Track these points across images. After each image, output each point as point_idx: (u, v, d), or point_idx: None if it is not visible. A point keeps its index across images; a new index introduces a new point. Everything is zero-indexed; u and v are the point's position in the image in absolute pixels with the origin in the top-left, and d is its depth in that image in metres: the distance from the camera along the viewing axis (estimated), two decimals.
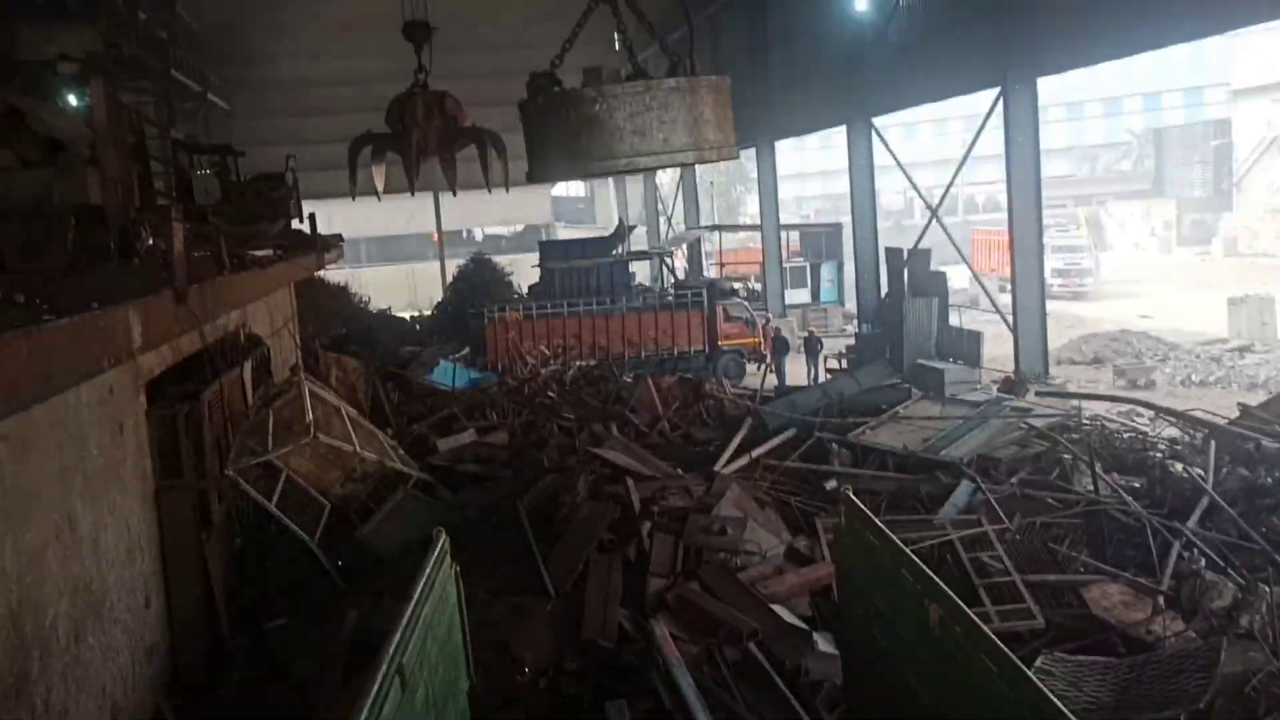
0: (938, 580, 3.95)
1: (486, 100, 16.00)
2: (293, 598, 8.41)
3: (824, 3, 21.58)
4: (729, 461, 10.31)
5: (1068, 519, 8.75)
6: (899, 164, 19.88)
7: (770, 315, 27.13)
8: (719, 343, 24.12)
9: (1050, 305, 19.11)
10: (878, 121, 21.02)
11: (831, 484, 9.74)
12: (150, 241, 5.64)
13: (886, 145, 20.44)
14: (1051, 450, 10.03)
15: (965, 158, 17.57)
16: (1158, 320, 28.53)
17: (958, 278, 25.60)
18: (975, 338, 19.53)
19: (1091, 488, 9.22)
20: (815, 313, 30.30)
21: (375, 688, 3.45)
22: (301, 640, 7.79)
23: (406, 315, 32.15)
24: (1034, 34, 15.02)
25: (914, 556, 4.18)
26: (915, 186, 19.60)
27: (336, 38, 35.95)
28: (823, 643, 7.25)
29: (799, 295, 31.49)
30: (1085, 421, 11.14)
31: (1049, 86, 16.34)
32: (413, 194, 7.86)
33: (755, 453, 10.45)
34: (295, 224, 12.95)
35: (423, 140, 7.50)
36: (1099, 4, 13.74)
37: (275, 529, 9.13)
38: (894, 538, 4.42)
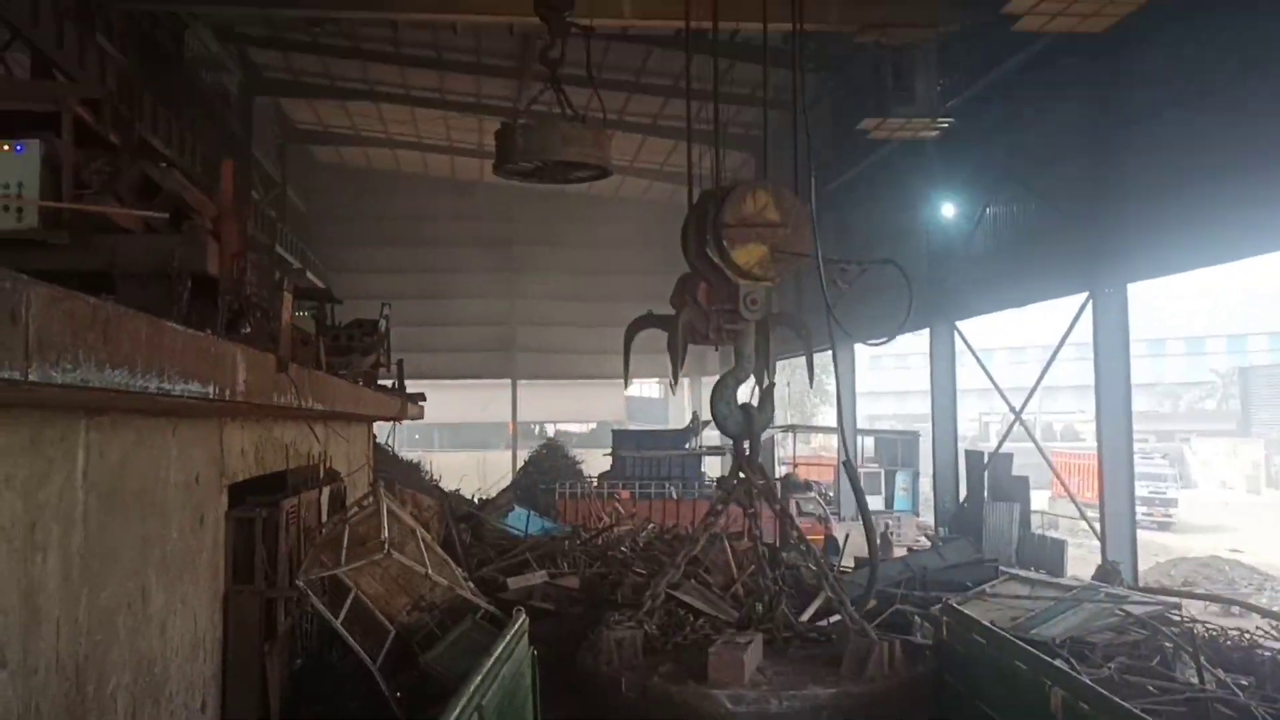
0: (1055, 664, 3.67)
1: None
2: None
3: (909, 211, 22.06)
4: None
5: (1170, 708, 8.17)
6: (979, 361, 19.86)
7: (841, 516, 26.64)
8: None
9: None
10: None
11: None
12: (258, 315, 5.76)
13: (968, 344, 20.47)
14: (1151, 639, 9.46)
15: (1053, 357, 17.52)
16: (1250, 555, 27.34)
17: (1036, 500, 24.95)
18: (1059, 546, 18.86)
19: (1195, 679, 8.64)
20: (888, 519, 29.67)
21: (455, 714, 3.24)
22: None
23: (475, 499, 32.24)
24: (1124, 242, 15.18)
25: (1028, 646, 3.90)
26: (995, 383, 19.45)
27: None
28: None
29: (872, 502, 30.86)
30: (1186, 619, 10.54)
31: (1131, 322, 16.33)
32: (673, 385, 7.16)
33: (833, 619, 10.03)
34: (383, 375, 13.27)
35: (701, 325, 6.86)
36: (1189, 214, 13.91)
37: (336, 654, 8.90)
38: (1003, 632, 4.14)
